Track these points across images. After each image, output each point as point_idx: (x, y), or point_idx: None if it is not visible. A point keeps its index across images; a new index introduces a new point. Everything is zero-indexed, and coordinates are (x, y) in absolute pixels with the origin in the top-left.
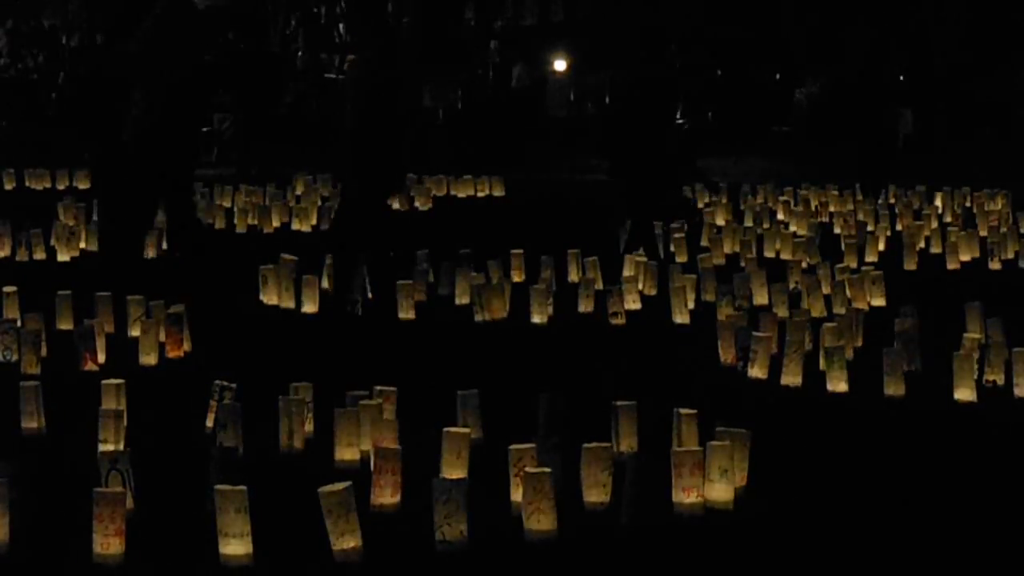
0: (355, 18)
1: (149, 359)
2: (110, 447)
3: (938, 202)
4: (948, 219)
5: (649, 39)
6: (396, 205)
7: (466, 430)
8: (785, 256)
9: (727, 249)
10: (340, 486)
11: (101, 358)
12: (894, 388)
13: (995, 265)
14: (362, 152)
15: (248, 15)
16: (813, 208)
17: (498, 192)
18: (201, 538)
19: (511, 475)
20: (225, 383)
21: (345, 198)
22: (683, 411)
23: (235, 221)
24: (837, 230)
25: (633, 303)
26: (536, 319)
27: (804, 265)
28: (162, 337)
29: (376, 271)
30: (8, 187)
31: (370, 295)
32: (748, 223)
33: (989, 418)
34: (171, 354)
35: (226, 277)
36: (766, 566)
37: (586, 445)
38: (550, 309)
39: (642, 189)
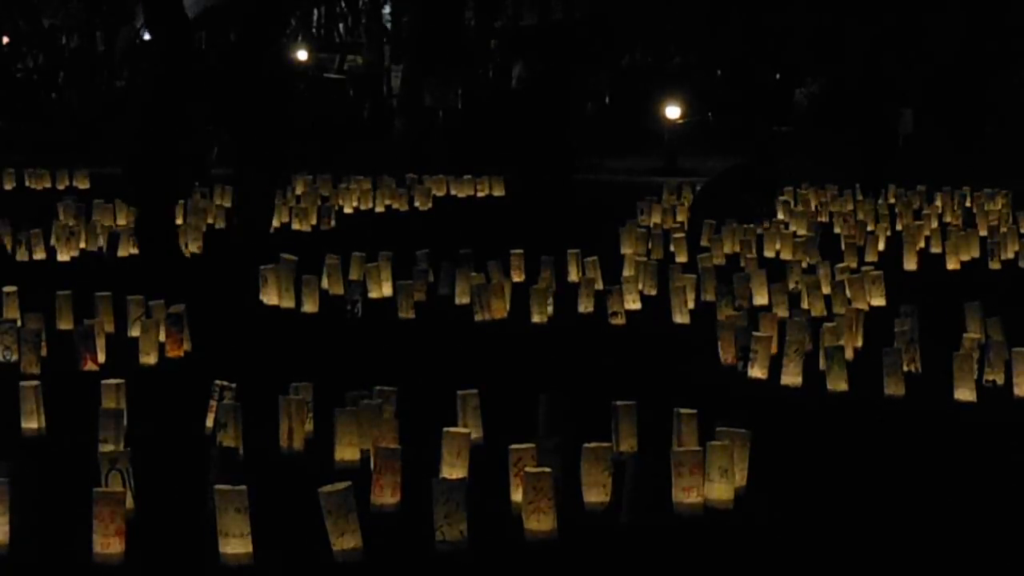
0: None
1: (149, 359)
2: (110, 447)
3: (938, 202)
4: (948, 219)
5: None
6: (396, 204)
7: (466, 430)
8: (785, 256)
9: (727, 249)
10: (340, 486)
11: (101, 358)
12: (894, 388)
13: (995, 265)
14: (143, 151)
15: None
16: (813, 208)
17: (498, 192)
18: (201, 538)
19: (511, 475)
20: (225, 383)
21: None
22: (683, 411)
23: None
24: (837, 230)
25: (633, 303)
26: (536, 319)
27: (804, 265)
28: (162, 337)
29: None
30: (8, 187)
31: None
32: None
33: (989, 418)
34: (171, 354)
35: (226, 277)
36: (766, 566)
37: (586, 445)
38: (550, 309)
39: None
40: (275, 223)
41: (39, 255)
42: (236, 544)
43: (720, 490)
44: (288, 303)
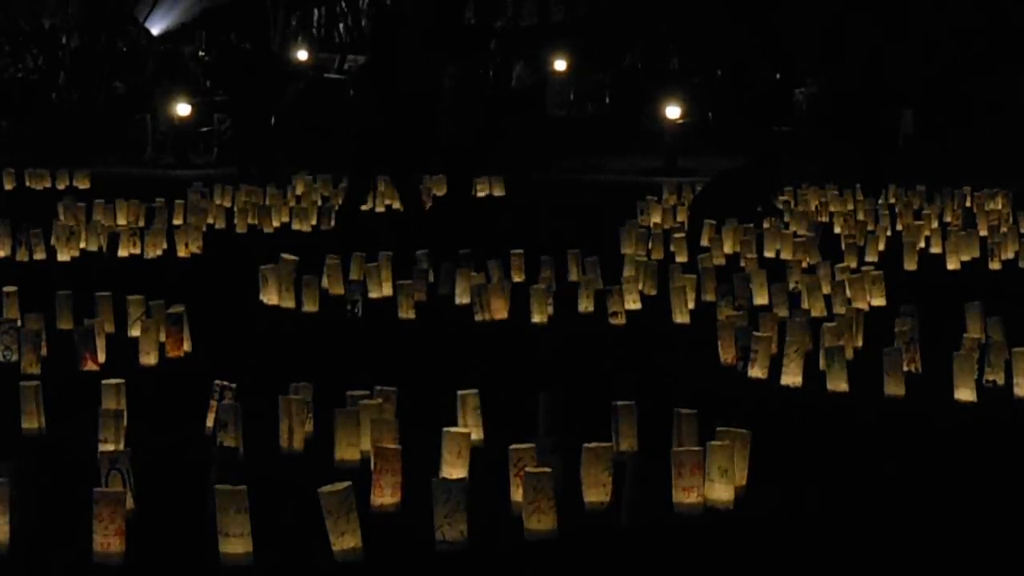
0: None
1: (149, 359)
2: (110, 447)
3: (938, 202)
4: (948, 219)
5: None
6: (396, 204)
7: (466, 430)
8: (785, 256)
9: (727, 249)
10: (340, 486)
11: (101, 358)
12: (894, 388)
13: (995, 265)
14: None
15: (248, 15)
16: (813, 208)
17: (498, 192)
18: (201, 538)
19: (511, 475)
20: (225, 383)
21: None
22: (683, 411)
23: (235, 221)
24: (837, 230)
25: (633, 303)
26: (536, 319)
27: (804, 265)
28: (162, 337)
29: None
30: (8, 187)
31: None
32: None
33: (989, 418)
34: (171, 354)
35: (226, 277)
36: (766, 566)
37: (586, 445)
38: (550, 309)
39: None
40: (275, 223)
41: (39, 255)
42: (236, 544)
43: (720, 490)
44: (288, 303)
